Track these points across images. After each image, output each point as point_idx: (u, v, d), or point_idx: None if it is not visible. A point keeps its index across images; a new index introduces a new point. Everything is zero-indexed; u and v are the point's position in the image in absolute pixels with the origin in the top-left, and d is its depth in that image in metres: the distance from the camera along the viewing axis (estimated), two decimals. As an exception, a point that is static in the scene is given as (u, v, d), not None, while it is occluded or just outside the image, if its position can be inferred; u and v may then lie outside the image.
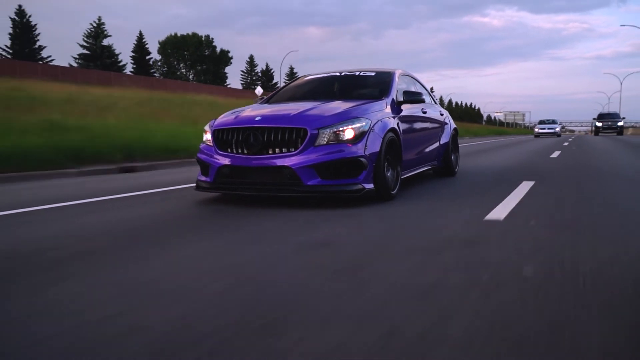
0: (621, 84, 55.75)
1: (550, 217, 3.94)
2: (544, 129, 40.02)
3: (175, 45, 78.08)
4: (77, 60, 57.58)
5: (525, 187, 5.51)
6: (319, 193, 4.29)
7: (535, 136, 39.33)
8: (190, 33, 78.45)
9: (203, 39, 78.72)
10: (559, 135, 38.82)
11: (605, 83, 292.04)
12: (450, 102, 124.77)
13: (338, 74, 6.18)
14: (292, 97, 5.76)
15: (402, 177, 5.18)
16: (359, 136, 4.41)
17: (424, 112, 6.11)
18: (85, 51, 56.77)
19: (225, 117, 4.86)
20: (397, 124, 5.06)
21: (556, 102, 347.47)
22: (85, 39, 55.16)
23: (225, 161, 4.52)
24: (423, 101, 5.71)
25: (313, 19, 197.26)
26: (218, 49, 79.48)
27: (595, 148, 15.49)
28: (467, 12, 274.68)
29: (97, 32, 56.45)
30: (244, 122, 4.56)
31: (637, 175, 7.27)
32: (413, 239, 3.20)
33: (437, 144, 6.56)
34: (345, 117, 4.48)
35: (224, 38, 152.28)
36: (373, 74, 5.91)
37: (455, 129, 7.35)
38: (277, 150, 4.35)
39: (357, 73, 6.02)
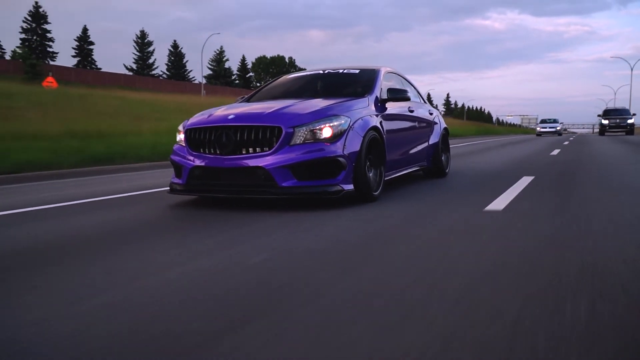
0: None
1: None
2: (546, 127, 42.05)
3: (265, 65, 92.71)
4: (206, 79, 69.40)
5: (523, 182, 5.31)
6: (295, 195, 4.07)
7: (537, 135, 40.96)
8: (277, 55, 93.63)
9: (287, 59, 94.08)
10: (560, 134, 40.89)
11: (607, 85, 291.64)
12: (456, 104, 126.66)
13: (321, 71, 5.97)
14: (273, 96, 5.54)
15: (387, 178, 4.96)
16: (338, 135, 4.19)
17: (411, 111, 5.89)
18: (210, 72, 72.37)
19: (198, 117, 4.64)
20: (380, 122, 4.83)
21: (558, 104, 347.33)
22: (210, 63, 73.21)
23: (198, 162, 4.29)
24: (408, 99, 5.47)
25: (315, 22, 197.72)
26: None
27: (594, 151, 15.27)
28: (469, 15, 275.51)
29: (219, 58, 75.45)
30: (216, 121, 4.34)
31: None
32: (389, 245, 2.97)
33: (425, 144, 6.34)
34: (322, 115, 4.26)
35: (225, 41, 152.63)
36: (357, 71, 5.69)
37: (445, 129, 7.12)
38: (250, 150, 4.13)
39: (340, 71, 5.80)
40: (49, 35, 56.13)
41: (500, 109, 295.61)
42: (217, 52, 75.87)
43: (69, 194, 5.39)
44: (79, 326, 1.78)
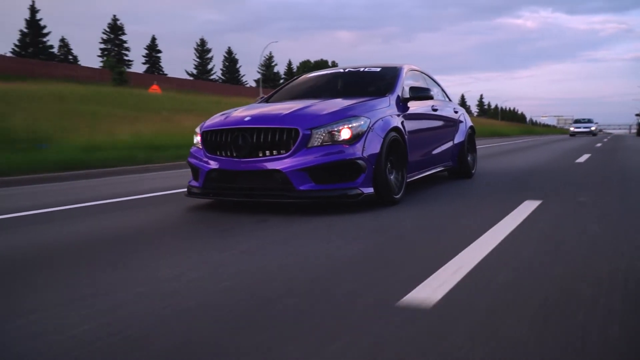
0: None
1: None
2: (580, 127, 41.68)
3: (310, 68, 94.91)
4: (257, 82, 69.90)
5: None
6: (313, 199, 3.94)
7: (571, 135, 40.71)
8: (320, 59, 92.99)
9: (330, 63, 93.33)
10: (594, 134, 40.46)
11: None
12: (489, 105, 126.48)
13: (342, 70, 5.83)
14: (292, 96, 5.42)
15: (409, 180, 4.80)
16: (357, 136, 4.05)
17: (435, 110, 5.70)
18: (260, 76, 72.41)
19: (215, 118, 4.56)
20: (402, 122, 4.67)
21: (593, 104, 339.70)
22: (260, 67, 72.79)
23: (214, 165, 4.21)
24: (431, 97, 5.29)
25: (343, 22, 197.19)
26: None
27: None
28: (500, 14, 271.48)
29: (268, 63, 77.28)
30: (232, 123, 4.25)
31: None
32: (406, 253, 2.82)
33: (450, 144, 6.14)
34: (341, 116, 4.12)
35: (254, 42, 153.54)
36: (378, 69, 5.52)
37: (471, 128, 6.89)
38: (267, 152, 4.02)
39: (361, 69, 5.65)
40: (125, 45, 61.97)
41: (532, 110, 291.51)
42: (267, 57, 79.03)
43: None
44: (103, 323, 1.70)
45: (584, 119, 44.74)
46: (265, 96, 5.78)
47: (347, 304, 2.01)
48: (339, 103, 4.46)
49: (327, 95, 5.07)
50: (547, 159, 10.13)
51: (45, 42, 54.35)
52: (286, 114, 4.15)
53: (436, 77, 6.58)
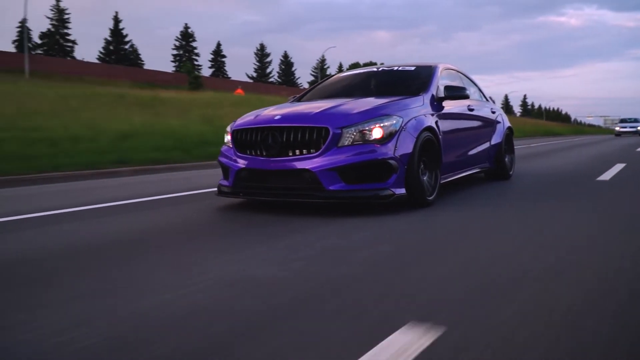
0: None
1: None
2: (626, 127, 40.85)
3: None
4: (310, 84, 73.94)
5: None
6: (343, 199, 3.87)
7: (616, 135, 39.99)
8: (369, 61, 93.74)
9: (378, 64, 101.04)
10: None
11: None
12: (533, 105, 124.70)
13: (375, 69, 5.73)
14: (324, 95, 5.35)
15: (443, 182, 4.67)
16: (388, 136, 3.95)
17: (471, 110, 5.54)
18: (313, 78, 76.19)
19: (246, 117, 4.53)
20: (436, 122, 4.55)
21: None
22: (314, 70, 74.94)
23: (244, 164, 4.18)
24: (467, 97, 5.14)
25: (381, 22, 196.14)
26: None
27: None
28: (542, 12, 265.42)
29: (321, 66, 75.56)
30: (263, 121, 4.21)
31: None
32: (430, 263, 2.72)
33: (487, 145, 5.96)
34: (372, 115, 4.03)
35: (291, 43, 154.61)
36: (412, 68, 5.40)
37: (509, 128, 6.69)
38: (297, 151, 3.97)
39: (395, 68, 5.54)
40: (195, 50, 67.34)
41: (575, 109, 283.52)
42: (320, 60, 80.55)
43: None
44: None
45: (630, 119, 43.81)
46: (298, 95, 5.73)
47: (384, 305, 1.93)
48: (370, 102, 4.38)
49: (359, 95, 4.98)
50: (570, 168, 9.76)
51: (126, 49, 60.32)
52: (316, 113, 4.09)
53: (474, 77, 6.41)
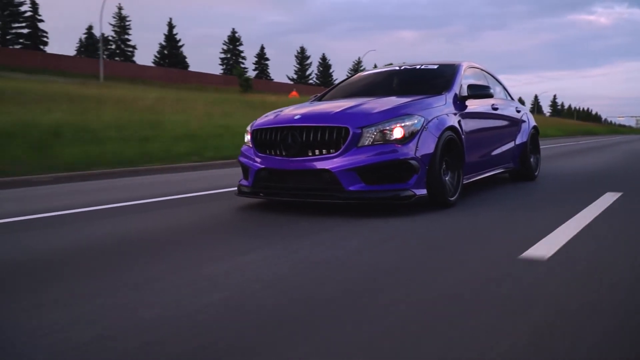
0: None
1: None
2: None
3: None
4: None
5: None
6: (363, 200, 3.82)
7: None
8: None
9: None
10: None
11: None
12: (562, 105, 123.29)
13: (397, 68, 5.66)
14: (345, 94, 5.30)
15: (465, 182, 4.58)
16: (410, 136, 3.89)
17: (495, 109, 5.43)
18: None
19: (266, 117, 4.51)
20: (459, 121, 4.46)
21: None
22: (349, 71, 77.41)
23: (264, 164, 4.16)
24: (491, 96, 5.03)
25: (406, 22, 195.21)
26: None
27: None
28: (571, 11, 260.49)
29: (356, 67, 79.32)
30: (282, 121, 4.18)
31: None
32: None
33: (511, 144, 5.84)
34: (393, 114, 3.97)
35: (317, 43, 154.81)
36: (435, 67, 5.31)
37: (535, 127, 6.54)
38: (316, 151, 3.93)
39: (417, 66, 5.46)
40: (242, 54, 72.54)
41: (606, 109, 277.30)
42: (355, 62, 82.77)
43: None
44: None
45: None
46: (319, 94, 5.70)
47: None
48: (391, 101, 4.32)
49: (381, 94, 4.91)
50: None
51: (179, 53, 65.04)
52: (336, 112, 4.04)
53: (501, 76, 6.29)
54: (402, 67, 5.60)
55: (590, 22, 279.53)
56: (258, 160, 4.22)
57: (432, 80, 5.08)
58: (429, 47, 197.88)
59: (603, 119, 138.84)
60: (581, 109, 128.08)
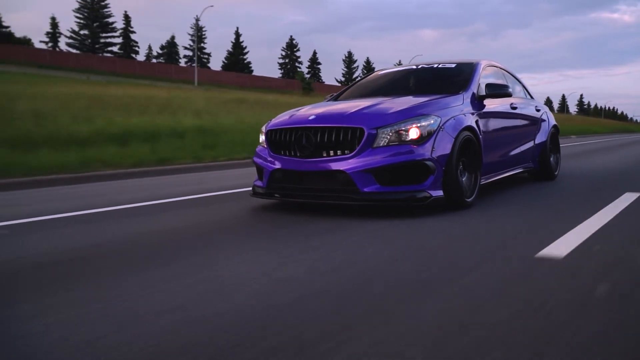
0: None
1: None
2: None
3: None
4: None
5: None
6: (378, 201, 3.77)
7: None
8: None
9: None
10: None
11: None
12: (589, 104, 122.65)
13: (414, 67, 5.59)
14: (361, 94, 5.25)
15: (483, 182, 4.51)
16: (426, 136, 3.83)
17: (514, 108, 5.33)
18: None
19: (280, 117, 4.48)
20: (476, 121, 4.39)
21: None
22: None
23: (278, 165, 4.14)
24: (509, 95, 4.94)
25: (428, 21, 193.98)
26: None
27: None
28: (594, 9, 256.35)
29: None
30: (297, 122, 4.15)
31: None
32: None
33: (530, 144, 5.73)
34: (409, 115, 3.91)
35: (338, 42, 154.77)
36: (453, 65, 5.23)
37: (555, 127, 6.41)
38: (331, 152, 3.89)
39: (435, 65, 5.38)
40: (299, 59, 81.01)
41: (630, 108, 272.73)
42: (396, 64, 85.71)
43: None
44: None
45: None
46: (335, 94, 5.65)
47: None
48: (407, 101, 4.26)
49: (397, 93, 4.85)
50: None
51: (245, 59, 74.94)
52: (351, 113, 4.00)
53: (523, 75, 6.19)
54: (420, 66, 5.53)
55: (614, 20, 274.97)
56: (273, 161, 4.20)
57: (450, 79, 5.01)
58: (450, 46, 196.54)
59: (629, 118, 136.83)
60: (607, 108, 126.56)
